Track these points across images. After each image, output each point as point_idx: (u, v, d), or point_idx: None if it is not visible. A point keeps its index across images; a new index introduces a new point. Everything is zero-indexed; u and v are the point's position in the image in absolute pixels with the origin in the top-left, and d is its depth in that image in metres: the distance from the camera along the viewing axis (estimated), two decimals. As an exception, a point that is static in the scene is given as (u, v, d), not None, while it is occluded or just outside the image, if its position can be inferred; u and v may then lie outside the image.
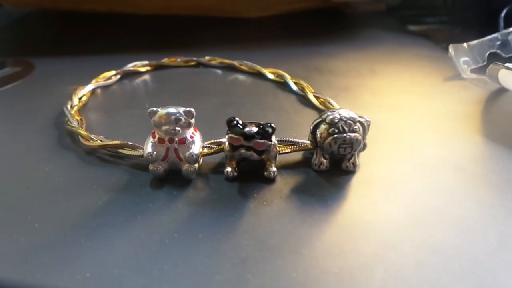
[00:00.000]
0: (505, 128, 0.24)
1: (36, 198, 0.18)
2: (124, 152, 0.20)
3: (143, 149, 0.19)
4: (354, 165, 0.19)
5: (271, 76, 0.31)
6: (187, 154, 0.18)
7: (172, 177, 0.19)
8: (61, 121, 0.24)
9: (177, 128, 0.18)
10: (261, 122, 0.18)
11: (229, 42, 0.42)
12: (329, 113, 0.18)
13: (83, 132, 0.22)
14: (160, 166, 0.18)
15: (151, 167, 0.18)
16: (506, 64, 0.26)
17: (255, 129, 0.17)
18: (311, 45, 0.41)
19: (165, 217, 0.16)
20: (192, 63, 0.35)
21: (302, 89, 0.28)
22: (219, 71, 0.34)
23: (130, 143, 0.20)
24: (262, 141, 0.17)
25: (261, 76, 0.32)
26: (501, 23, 0.44)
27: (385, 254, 0.14)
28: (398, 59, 0.37)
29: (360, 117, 0.19)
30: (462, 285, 0.13)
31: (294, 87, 0.29)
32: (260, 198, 0.18)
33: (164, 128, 0.18)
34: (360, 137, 0.18)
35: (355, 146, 0.18)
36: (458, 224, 0.16)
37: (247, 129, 0.17)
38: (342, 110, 0.19)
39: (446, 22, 0.56)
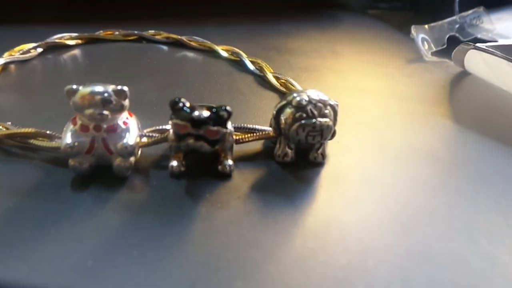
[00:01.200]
0: (473, 113, 0.23)
1: None
2: (36, 143, 0.16)
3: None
4: (323, 155, 0.16)
5: (224, 54, 0.28)
6: (119, 145, 0.14)
7: (101, 174, 0.15)
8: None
9: (105, 112, 0.14)
10: (213, 105, 0.14)
11: (176, 16, 0.37)
12: (295, 95, 0.15)
13: (-18, 117, 0.17)
14: (83, 161, 0.14)
15: (71, 162, 0.14)
16: (477, 45, 0.25)
17: (206, 113, 0.14)
18: (269, 23, 0.38)
19: (89, 229, 0.13)
20: (133, 37, 0.30)
21: (260, 69, 0.25)
22: (164, 47, 0.29)
23: (46, 131, 0.16)
24: (215, 128, 0.14)
25: (213, 53, 0.28)
26: (456, 7, 0.43)
27: (365, 265, 0.12)
28: (359, 40, 0.36)
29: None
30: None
31: (251, 67, 0.26)
32: (214, 199, 0.14)
33: (88, 112, 0.14)
34: (331, 123, 0.15)
35: (325, 133, 0.15)
36: (439, 221, 0.14)
37: (196, 113, 0.14)
38: (311, 91, 0.16)
39: (399, 7, 0.55)
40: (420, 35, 0.32)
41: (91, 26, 0.30)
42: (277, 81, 0.24)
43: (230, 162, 0.15)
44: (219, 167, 0.15)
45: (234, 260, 0.12)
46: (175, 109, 0.14)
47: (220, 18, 0.38)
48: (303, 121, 0.15)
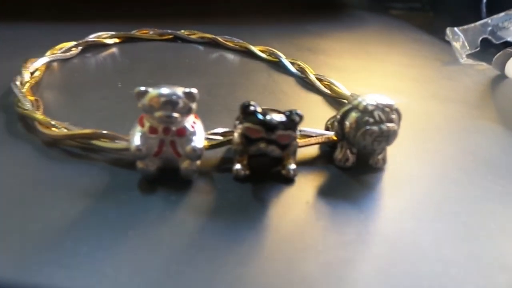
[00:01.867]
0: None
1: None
2: (99, 144, 0.15)
3: (127, 140, 0.15)
4: (384, 161, 0.16)
5: (262, 55, 0.27)
6: (188, 148, 0.14)
7: (166, 177, 0.15)
8: (8, 103, 0.19)
9: (175, 115, 0.14)
10: (279, 109, 0.14)
11: (207, 15, 0.37)
12: (361, 99, 0.15)
13: (41, 117, 0.17)
14: (151, 164, 0.14)
15: (140, 164, 0.14)
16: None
17: (278, 117, 0.14)
18: (298, 23, 0.38)
19: (165, 232, 0.13)
20: (168, 37, 0.30)
21: (302, 70, 0.25)
22: (200, 47, 0.29)
23: (108, 132, 0.16)
24: (288, 132, 0.14)
25: (249, 54, 0.28)
26: (483, 9, 0.43)
27: (449, 274, 0.12)
28: (388, 41, 0.35)
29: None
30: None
31: (292, 68, 0.26)
32: (282, 203, 0.14)
33: (158, 114, 0.14)
34: (397, 128, 0.15)
35: (391, 139, 0.15)
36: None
37: (268, 117, 0.13)
38: (376, 96, 0.15)
39: (418, 8, 0.55)
40: (455, 37, 0.32)
41: (123, 24, 0.30)
42: (321, 83, 0.24)
43: (293, 166, 0.15)
44: (283, 171, 0.15)
45: (312, 267, 0.12)
46: (247, 113, 0.14)
47: (249, 17, 0.38)
48: (370, 127, 0.15)
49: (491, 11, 0.37)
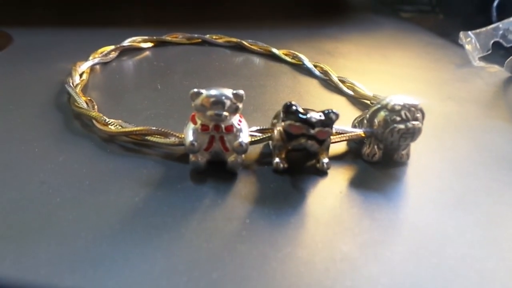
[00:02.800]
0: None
1: (56, 195, 0.15)
2: (153, 139, 0.17)
3: (177, 135, 0.17)
4: (408, 156, 0.18)
5: (286, 58, 0.29)
6: (235, 143, 0.16)
7: (214, 169, 0.16)
8: (62, 102, 0.21)
9: (225, 113, 0.15)
10: (314, 109, 0.16)
11: (228, 20, 0.39)
12: (388, 100, 0.17)
13: (97, 114, 0.18)
14: (201, 157, 0.16)
15: (192, 158, 0.16)
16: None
17: (317, 116, 0.15)
18: (315, 27, 0.39)
19: (219, 215, 0.14)
20: (197, 41, 0.32)
21: (325, 73, 0.27)
22: (227, 51, 0.31)
23: (159, 129, 0.17)
24: (326, 129, 0.15)
25: (273, 57, 0.30)
26: (494, 12, 0.44)
27: (477, 257, 0.13)
28: (403, 44, 0.37)
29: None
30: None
31: (316, 71, 0.27)
32: (317, 192, 0.16)
33: (209, 113, 0.15)
34: (421, 126, 0.17)
35: (416, 135, 0.17)
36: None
37: (309, 115, 0.15)
38: (402, 96, 0.17)
39: (428, 10, 0.56)
40: (468, 40, 0.34)
41: (154, 29, 0.32)
42: (344, 85, 0.25)
43: (327, 160, 0.17)
44: (317, 165, 0.17)
45: (349, 247, 0.13)
46: (289, 112, 0.15)
47: (268, 21, 0.39)
48: (398, 125, 0.16)
49: (501, 14, 0.39)
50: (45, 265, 0.12)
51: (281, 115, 0.16)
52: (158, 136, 0.17)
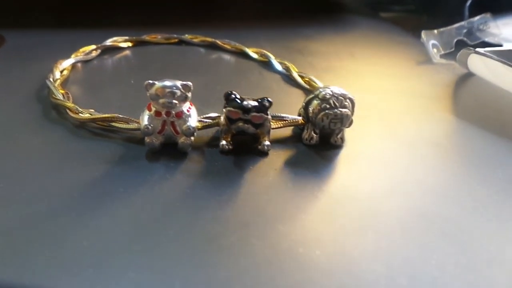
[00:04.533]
0: (474, 108, 0.26)
1: (30, 170, 0.17)
2: (116, 125, 0.20)
3: (138, 122, 0.19)
4: (342, 139, 0.20)
5: (254, 56, 0.32)
6: (184, 127, 0.18)
7: (167, 150, 0.19)
8: (43, 95, 0.24)
9: (175, 101, 0.18)
10: (254, 97, 0.18)
11: (208, 20, 0.41)
12: (321, 90, 0.19)
13: (70, 104, 0.21)
14: (156, 139, 0.19)
15: (147, 139, 0.19)
16: (477, 49, 0.28)
17: (253, 102, 0.18)
18: (292, 27, 0.42)
19: (165, 188, 0.17)
20: (174, 41, 0.34)
21: (287, 69, 0.29)
22: (201, 49, 0.34)
23: (124, 116, 0.20)
24: (260, 114, 0.18)
25: (244, 55, 0.32)
26: (466, 12, 0.46)
27: (374, 219, 0.16)
28: (374, 43, 0.39)
29: (348, 94, 0.20)
30: (444, 244, 0.15)
31: (279, 67, 0.30)
32: (256, 170, 0.18)
33: (161, 101, 0.18)
34: (349, 113, 0.19)
35: (345, 121, 0.19)
36: (437, 191, 0.18)
37: (245, 102, 0.18)
38: (334, 87, 0.20)
39: (413, 10, 0.58)
40: (430, 39, 0.36)
41: (135, 30, 0.35)
42: (302, 80, 0.28)
43: (267, 142, 0.19)
44: (259, 147, 0.19)
45: (275, 211, 0.16)
46: (229, 99, 0.18)
47: (246, 22, 0.42)
48: (327, 111, 0.19)
49: (475, 14, 0.41)
50: (12, 223, 0.14)
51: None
52: (121, 122, 0.20)
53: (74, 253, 0.13)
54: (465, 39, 0.37)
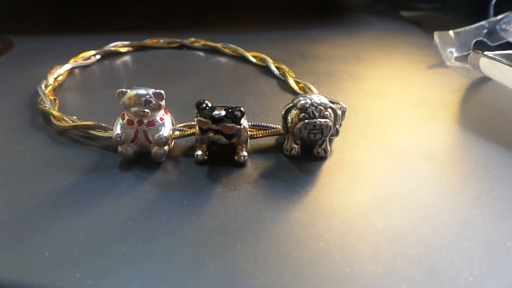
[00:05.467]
0: (482, 118, 0.24)
1: (1, 177, 0.17)
2: (95, 133, 0.20)
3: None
4: (326, 151, 0.19)
5: (253, 60, 0.31)
6: (156, 136, 0.18)
7: (142, 159, 0.19)
8: (35, 101, 0.24)
9: (146, 110, 0.18)
10: (231, 106, 0.18)
11: (214, 24, 0.41)
12: (301, 98, 0.18)
13: (55, 112, 0.21)
14: (129, 148, 0.18)
15: (119, 148, 0.18)
16: (486, 53, 0.26)
17: (223, 112, 0.17)
18: (298, 29, 0.40)
19: (131, 199, 0.16)
20: (175, 45, 0.34)
21: (283, 74, 0.28)
22: (201, 54, 0.33)
23: (101, 124, 0.20)
24: (231, 125, 0.17)
25: (244, 59, 0.32)
26: (491, 11, 0.43)
27: (344, 239, 0.15)
28: (384, 45, 0.37)
29: (333, 103, 0.19)
30: (416, 271, 0.13)
31: (276, 72, 0.29)
32: (228, 182, 0.18)
33: (133, 109, 0.18)
34: (331, 123, 0.18)
35: (325, 132, 0.18)
36: (421, 211, 0.16)
37: (215, 112, 0.17)
38: (314, 96, 0.18)
39: (439, 9, 0.55)
40: (444, 41, 0.33)
41: (139, 34, 0.35)
42: (297, 85, 0.27)
43: (244, 153, 0.19)
44: (235, 157, 0.19)
45: (238, 228, 0.15)
46: (200, 109, 0.17)
47: (251, 25, 0.41)
48: (305, 121, 0.18)
49: (500, 13, 0.38)
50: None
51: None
52: (99, 130, 0.20)
53: (28, 263, 0.13)
54: (485, 39, 0.35)
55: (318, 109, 0.18)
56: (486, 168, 0.19)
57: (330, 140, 0.20)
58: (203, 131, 0.18)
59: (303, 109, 0.18)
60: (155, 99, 0.18)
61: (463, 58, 0.32)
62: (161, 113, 0.18)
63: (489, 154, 0.20)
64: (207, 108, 0.17)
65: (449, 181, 0.18)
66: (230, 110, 0.17)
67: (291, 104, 0.18)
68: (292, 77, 0.27)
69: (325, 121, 0.18)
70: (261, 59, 0.31)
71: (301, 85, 0.26)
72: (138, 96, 0.18)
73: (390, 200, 0.17)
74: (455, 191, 0.17)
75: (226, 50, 0.33)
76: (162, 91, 0.18)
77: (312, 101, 0.18)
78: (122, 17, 0.41)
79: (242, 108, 0.17)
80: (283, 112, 0.19)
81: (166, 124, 0.18)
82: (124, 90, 0.18)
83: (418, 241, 0.14)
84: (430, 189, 0.17)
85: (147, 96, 0.18)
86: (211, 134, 0.17)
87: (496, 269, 0.13)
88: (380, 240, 0.14)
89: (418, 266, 0.13)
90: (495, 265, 0.14)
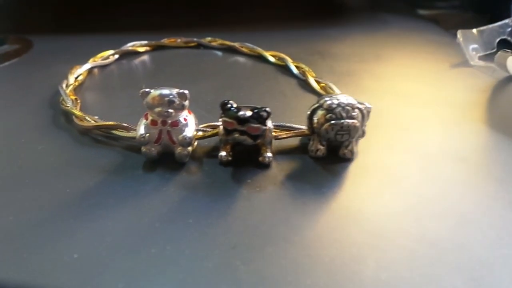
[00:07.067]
0: (510, 118, 0.23)
1: (27, 177, 0.17)
2: (117, 133, 0.20)
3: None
4: (352, 152, 0.19)
5: (272, 59, 0.30)
6: (180, 137, 0.18)
7: (166, 159, 0.18)
8: (56, 101, 0.24)
9: (170, 110, 0.17)
10: (257, 106, 0.17)
11: (231, 23, 0.41)
12: (327, 99, 0.18)
13: (77, 112, 0.21)
14: (153, 149, 0.18)
15: (143, 149, 0.18)
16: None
17: (249, 113, 0.17)
18: (317, 28, 0.40)
19: (156, 200, 0.16)
20: (193, 44, 0.34)
21: (303, 73, 0.28)
22: (219, 53, 0.33)
23: (124, 124, 0.20)
24: (257, 125, 0.17)
25: (262, 59, 0.31)
26: (514, 9, 0.42)
27: (378, 245, 0.14)
28: (405, 44, 0.36)
29: (359, 103, 0.18)
30: (456, 279, 0.13)
31: (295, 71, 0.28)
32: (254, 184, 0.17)
33: (157, 110, 0.17)
34: (358, 124, 0.18)
35: (352, 133, 0.18)
36: (454, 216, 0.15)
37: (241, 112, 0.17)
38: (341, 96, 0.18)
39: (458, 6, 0.54)
40: (468, 39, 0.33)
41: (157, 34, 0.35)
42: (318, 85, 0.26)
43: (269, 154, 0.18)
44: (260, 158, 0.18)
45: (267, 232, 0.15)
46: (225, 109, 0.17)
47: (270, 24, 0.41)
48: (332, 122, 0.17)
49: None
50: (4, 232, 0.14)
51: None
52: (121, 130, 0.20)
53: (57, 265, 0.13)
54: (509, 38, 0.34)
55: (345, 109, 0.17)
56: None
57: (356, 141, 0.20)
58: (227, 131, 0.17)
59: (330, 109, 0.17)
60: (178, 99, 0.18)
61: (486, 57, 0.31)
62: (184, 113, 0.18)
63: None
64: (232, 108, 0.17)
65: (481, 184, 0.17)
66: (256, 111, 0.17)
67: (317, 105, 0.18)
68: (313, 76, 0.27)
69: (352, 122, 0.17)
70: (280, 59, 0.30)
71: (322, 84, 0.26)
72: (162, 96, 0.17)
73: (421, 204, 0.16)
74: (488, 195, 0.17)
75: (244, 50, 0.32)
76: (186, 91, 0.18)
77: (339, 101, 0.17)
78: (139, 17, 0.41)
79: (268, 109, 0.17)
80: (308, 112, 0.18)
81: (189, 125, 0.18)
82: (147, 90, 0.18)
83: (454, 247, 0.14)
84: (462, 193, 0.17)
85: (171, 96, 0.17)
86: (236, 135, 0.17)
87: (539, 277, 0.13)
88: (415, 246, 0.14)
89: (457, 274, 0.13)
90: (537, 273, 0.13)
